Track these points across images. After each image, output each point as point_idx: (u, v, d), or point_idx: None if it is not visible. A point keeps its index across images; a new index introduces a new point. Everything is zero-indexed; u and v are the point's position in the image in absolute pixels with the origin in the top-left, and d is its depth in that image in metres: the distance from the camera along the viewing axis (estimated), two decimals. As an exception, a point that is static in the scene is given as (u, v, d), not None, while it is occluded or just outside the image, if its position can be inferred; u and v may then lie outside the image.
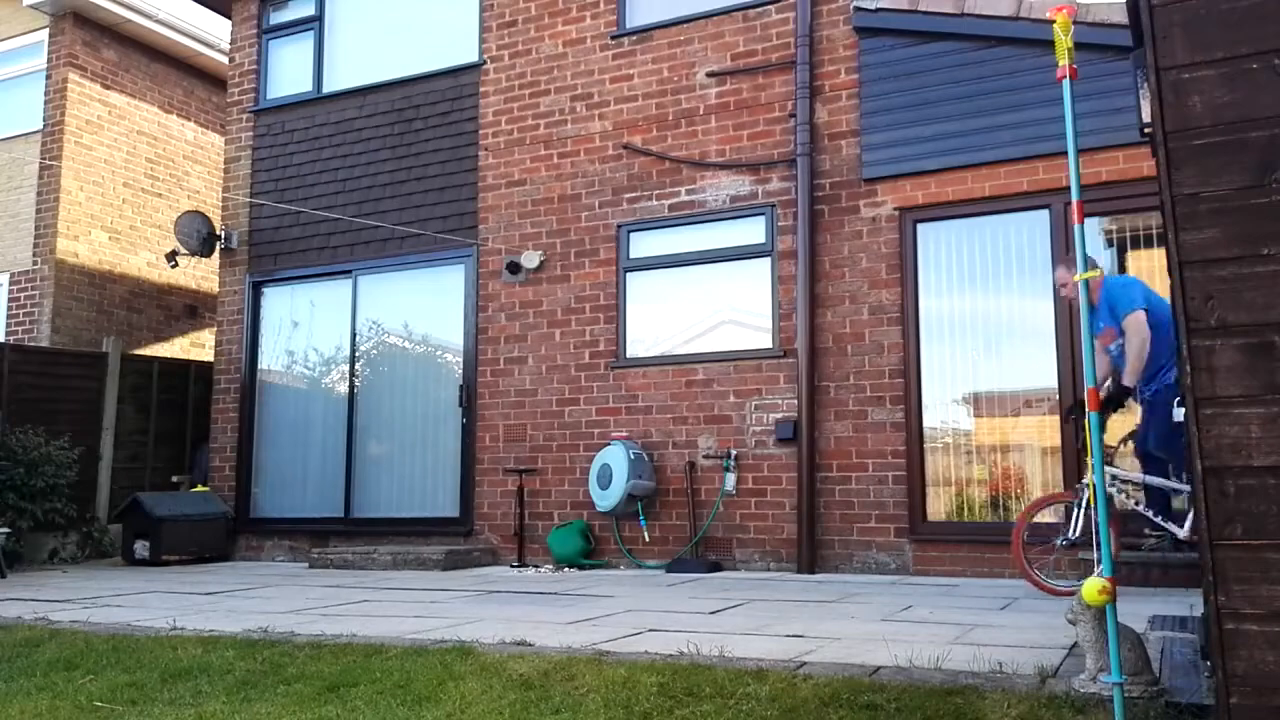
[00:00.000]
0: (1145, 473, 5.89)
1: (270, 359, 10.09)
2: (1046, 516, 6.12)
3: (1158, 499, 5.86)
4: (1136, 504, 5.91)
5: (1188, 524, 5.65)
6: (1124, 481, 5.93)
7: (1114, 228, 7.11)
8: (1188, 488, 5.68)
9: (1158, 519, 5.79)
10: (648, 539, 8.00)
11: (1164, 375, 5.69)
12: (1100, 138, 6.63)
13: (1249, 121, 2.26)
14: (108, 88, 12.05)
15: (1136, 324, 5.66)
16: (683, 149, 8.34)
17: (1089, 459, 5.91)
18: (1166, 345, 5.60)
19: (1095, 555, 2.74)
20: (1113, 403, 5.78)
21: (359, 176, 9.68)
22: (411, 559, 8.05)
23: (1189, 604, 4.96)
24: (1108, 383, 5.88)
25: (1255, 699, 2.15)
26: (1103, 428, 5.80)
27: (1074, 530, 5.78)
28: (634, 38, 8.64)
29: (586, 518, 8.21)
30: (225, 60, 11.30)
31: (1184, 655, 3.61)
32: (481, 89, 9.22)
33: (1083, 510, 5.76)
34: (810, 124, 7.82)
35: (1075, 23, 3.55)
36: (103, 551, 9.85)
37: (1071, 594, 5.61)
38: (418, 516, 9.04)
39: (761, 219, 7.99)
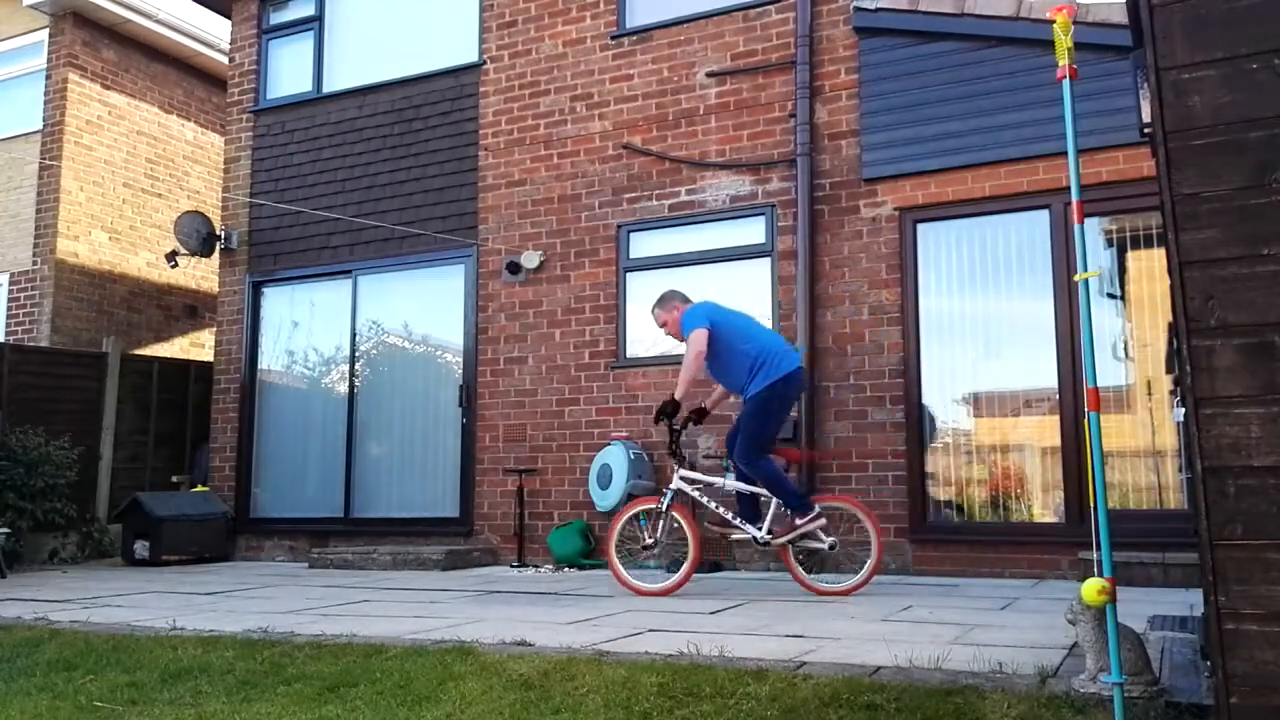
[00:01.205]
0: (737, 477, 6.17)
1: (270, 359, 10.09)
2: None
3: (745, 503, 6.13)
4: (715, 505, 6.17)
5: (765, 525, 6.00)
6: (699, 483, 6.25)
7: (1114, 228, 7.11)
8: (765, 492, 6.02)
9: (736, 521, 6.09)
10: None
11: (750, 388, 5.96)
12: (1100, 138, 6.63)
13: (1249, 121, 2.26)
14: (108, 88, 12.05)
15: (691, 341, 5.99)
16: (683, 149, 8.34)
17: (674, 465, 6.19)
18: (746, 360, 5.96)
19: (1095, 556, 2.73)
20: (663, 414, 6.09)
21: (359, 176, 9.68)
22: (411, 559, 8.05)
23: (1189, 604, 4.96)
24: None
25: (1255, 699, 2.15)
26: (678, 435, 6.19)
27: (658, 533, 6.08)
28: (634, 38, 8.64)
29: (586, 518, 8.21)
30: (225, 60, 11.30)
31: (1184, 655, 3.61)
32: (481, 89, 9.22)
33: (665, 513, 6.07)
34: (810, 124, 7.81)
35: (1075, 23, 3.55)
36: (103, 551, 9.85)
37: (652, 593, 5.81)
38: (417, 516, 9.04)
39: (761, 219, 7.99)
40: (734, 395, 6.27)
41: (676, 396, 6.03)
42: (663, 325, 6.41)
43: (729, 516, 6.10)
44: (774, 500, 5.98)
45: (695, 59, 8.39)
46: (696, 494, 6.24)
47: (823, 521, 5.94)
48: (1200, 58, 2.31)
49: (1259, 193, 2.23)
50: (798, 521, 5.89)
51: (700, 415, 6.40)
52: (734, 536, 6.31)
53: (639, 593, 5.98)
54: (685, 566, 6.04)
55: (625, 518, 6.24)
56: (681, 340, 6.27)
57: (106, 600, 6.23)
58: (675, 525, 6.13)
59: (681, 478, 6.20)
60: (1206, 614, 2.33)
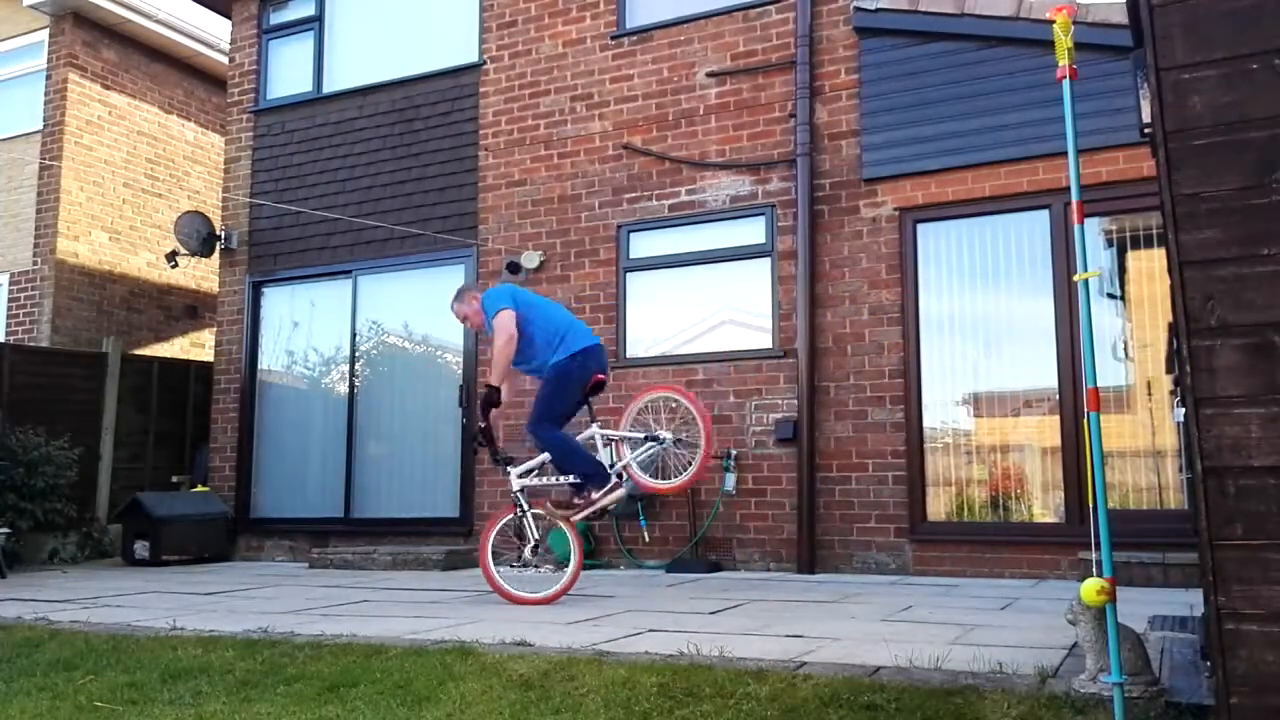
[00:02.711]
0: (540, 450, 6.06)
1: (270, 359, 10.09)
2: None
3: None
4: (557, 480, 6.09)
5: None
6: (533, 470, 6.09)
7: (1114, 228, 7.11)
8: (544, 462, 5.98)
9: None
10: (648, 539, 8.00)
11: (553, 358, 5.84)
12: (1100, 138, 6.63)
13: (1249, 121, 2.26)
14: (108, 88, 12.05)
15: (499, 325, 5.79)
16: (683, 149, 8.34)
17: (504, 470, 5.99)
18: (551, 335, 5.84)
19: (1095, 556, 2.73)
20: (490, 404, 5.92)
21: (359, 176, 9.68)
22: (411, 559, 8.05)
23: (1189, 604, 4.96)
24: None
25: (1255, 699, 2.15)
26: (490, 428, 5.97)
27: (535, 532, 5.94)
28: (634, 38, 8.64)
29: (586, 518, 8.20)
30: (225, 60, 11.30)
31: (1184, 655, 3.61)
32: (481, 89, 9.22)
33: (527, 514, 5.92)
34: (810, 124, 7.81)
35: (1075, 23, 3.55)
36: (103, 551, 9.85)
37: (533, 601, 5.58)
38: (417, 517, 9.04)
39: (761, 219, 7.99)
40: (531, 379, 6.14)
41: (494, 382, 5.81)
42: (464, 320, 6.23)
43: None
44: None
45: (695, 59, 8.39)
46: (541, 482, 6.06)
47: (621, 493, 5.82)
48: (1200, 58, 2.31)
49: (1259, 193, 2.23)
50: (594, 495, 5.73)
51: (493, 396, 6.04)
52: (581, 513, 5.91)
53: (516, 601, 5.71)
54: (571, 567, 5.73)
55: (494, 530, 5.99)
56: (485, 330, 6.06)
57: (106, 600, 6.23)
58: (543, 519, 5.96)
59: (518, 477, 6.00)
60: (1206, 614, 2.33)
